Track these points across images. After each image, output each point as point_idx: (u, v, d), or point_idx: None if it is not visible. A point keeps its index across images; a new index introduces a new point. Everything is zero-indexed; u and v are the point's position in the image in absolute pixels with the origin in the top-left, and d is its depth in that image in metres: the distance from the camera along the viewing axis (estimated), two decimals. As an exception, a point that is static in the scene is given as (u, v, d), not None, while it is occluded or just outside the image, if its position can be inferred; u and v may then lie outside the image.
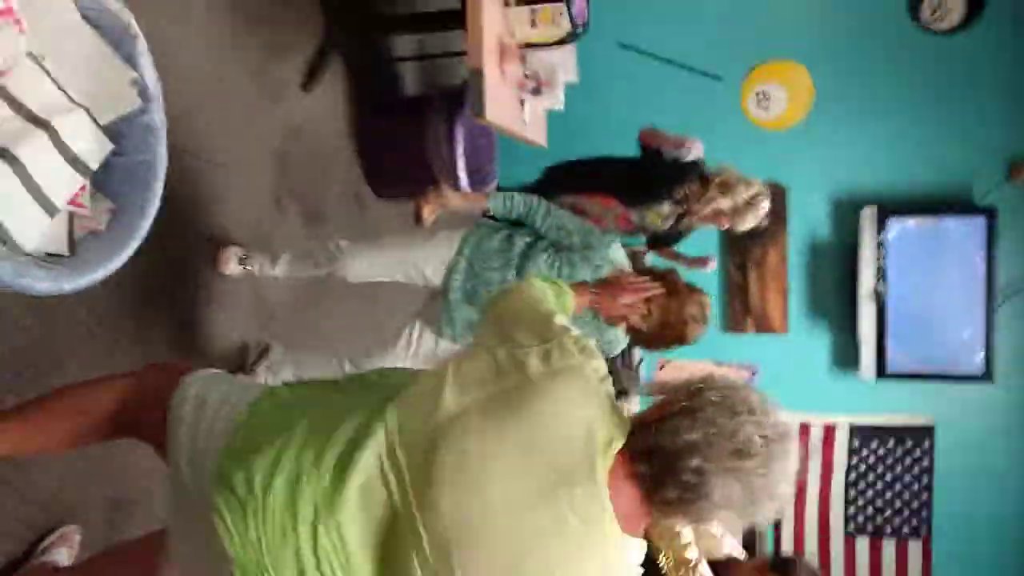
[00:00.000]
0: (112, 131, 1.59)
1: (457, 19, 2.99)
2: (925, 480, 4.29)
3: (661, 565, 2.08)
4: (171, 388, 1.39)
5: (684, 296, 2.22)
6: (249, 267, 2.50)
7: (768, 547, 4.37)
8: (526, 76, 2.96)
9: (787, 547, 4.35)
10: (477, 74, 2.69)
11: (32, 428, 1.49)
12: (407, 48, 3.84)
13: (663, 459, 1.11)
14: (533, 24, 2.85)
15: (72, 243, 1.54)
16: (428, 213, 3.90)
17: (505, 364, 1.20)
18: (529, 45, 2.94)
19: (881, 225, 4.28)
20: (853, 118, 4.44)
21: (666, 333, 2.25)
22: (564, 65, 3.07)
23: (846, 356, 4.41)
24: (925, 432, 4.31)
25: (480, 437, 1.13)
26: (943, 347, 4.23)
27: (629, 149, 4.48)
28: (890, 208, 4.26)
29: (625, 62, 4.63)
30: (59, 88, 1.51)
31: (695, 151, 3.09)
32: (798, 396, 4.46)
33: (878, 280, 4.26)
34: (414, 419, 1.18)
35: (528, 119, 3.20)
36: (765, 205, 2.96)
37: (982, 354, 4.14)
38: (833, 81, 4.44)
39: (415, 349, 2.43)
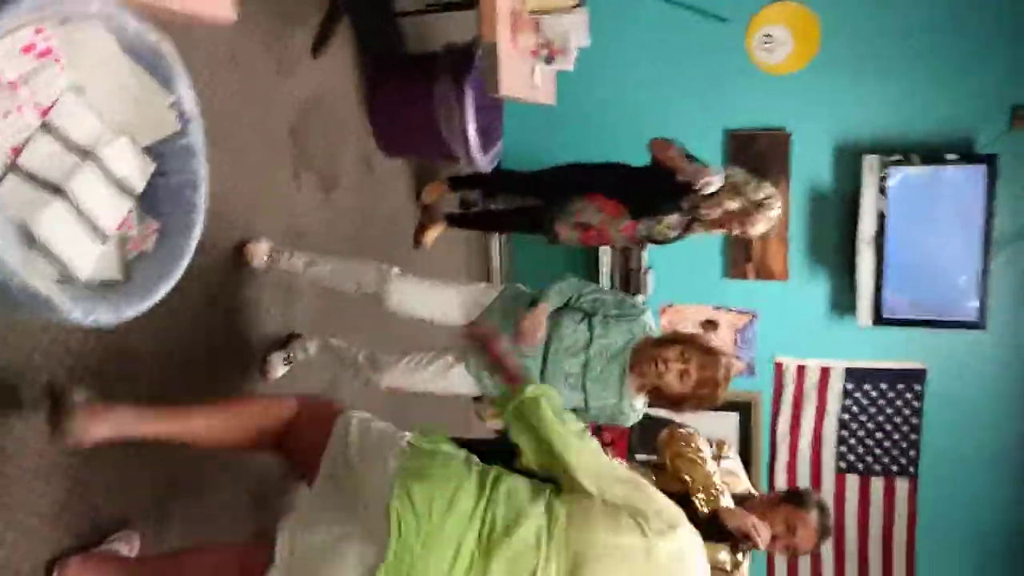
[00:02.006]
0: (153, 153, 1.63)
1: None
2: (915, 422, 4.48)
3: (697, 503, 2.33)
4: (332, 418, 1.71)
5: (715, 358, 2.34)
6: (277, 261, 2.53)
7: (763, 479, 4.61)
8: (539, 45, 2.94)
9: (780, 483, 4.59)
10: (491, 49, 2.68)
11: (215, 424, 1.77)
12: (412, 2, 3.77)
13: None
14: (545, -9, 2.83)
15: (124, 267, 1.60)
16: (429, 238, 3.95)
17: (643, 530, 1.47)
18: (541, 11, 2.92)
19: (883, 173, 4.32)
20: (858, 63, 4.42)
21: (699, 394, 2.36)
22: (576, 30, 3.04)
23: (843, 302, 4.53)
24: (917, 375, 4.48)
25: None
26: (938, 294, 4.35)
27: (636, 105, 4.45)
28: (893, 156, 4.29)
29: (630, 8, 4.56)
30: (101, 118, 1.54)
31: (715, 184, 2.92)
32: (796, 341, 4.62)
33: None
34: (575, 530, 1.46)
35: (539, 83, 3.20)
36: (777, 208, 2.96)
37: (976, 302, 4.26)
38: (839, 24, 4.40)
39: (438, 373, 2.50)
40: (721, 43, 4.57)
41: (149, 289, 1.57)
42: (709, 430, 2.99)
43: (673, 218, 3.07)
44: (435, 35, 3.83)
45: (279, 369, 2.60)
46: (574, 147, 3.76)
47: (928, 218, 4.37)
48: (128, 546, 1.91)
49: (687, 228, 3.11)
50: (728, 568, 2.44)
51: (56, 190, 1.45)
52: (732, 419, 4.64)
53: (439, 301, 2.50)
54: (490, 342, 1.81)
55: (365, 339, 2.75)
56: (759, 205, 2.91)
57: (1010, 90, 4.23)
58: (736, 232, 3.02)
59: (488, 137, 3.64)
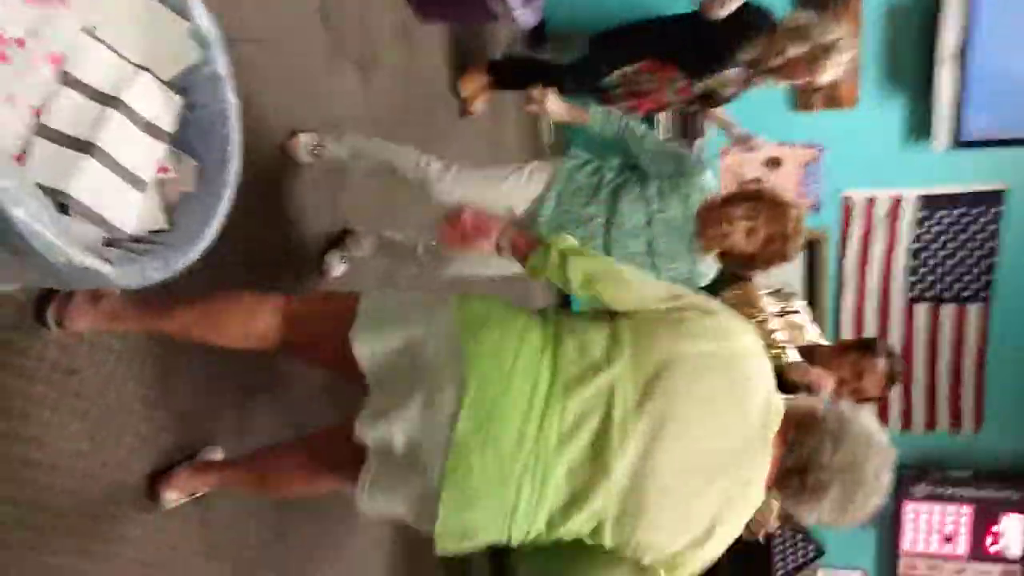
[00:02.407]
0: (178, 86, 1.54)
1: None
2: (991, 246, 4.29)
3: None
4: (349, 309, 1.58)
5: (784, 210, 2.19)
6: (321, 154, 2.43)
7: (829, 316, 4.56)
8: None
9: (847, 316, 4.52)
10: None
11: (201, 316, 1.68)
12: None
13: (800, 461, 1.39)
14: None
15: (169, 212, 1.56)
16: (478, 107, 3.64)
17: (713, 328, 1.46)
18: None
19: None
20: None
21: (770, 251, 2.24)
22: None
23: (918, 126, 4.23)
24: (995, 197, 4.24)
25: (699, 388, 1.40)
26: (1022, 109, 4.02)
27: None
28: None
29: None
30: (118, 56, 1.44)
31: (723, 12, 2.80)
32: (866, 172, 4.38)
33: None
34: (644, 347, 1.42)
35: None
36: (848, 51, 2.66)
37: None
38: None
39: (490, 264, 2.35)
40: None
41: (195, 234, 1.52)
42: (775, 274, 2.93)
43: (732, 72, 2.83)
44: None
45: (337, 268, 2.59)
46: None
47: (1018, 24, 3.94)
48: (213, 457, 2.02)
49: (748, 81, 2.86)
50: None
51: (86, 146, 1.39)
52: (798, 259, 4.50)
53: (486, 197, 2.33)
54: (478, 227, 1.63)
55: (420, 229, 2.70)
56: (827, 49, 2.63)
57: None
58: (804, 81, 2.76)
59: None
